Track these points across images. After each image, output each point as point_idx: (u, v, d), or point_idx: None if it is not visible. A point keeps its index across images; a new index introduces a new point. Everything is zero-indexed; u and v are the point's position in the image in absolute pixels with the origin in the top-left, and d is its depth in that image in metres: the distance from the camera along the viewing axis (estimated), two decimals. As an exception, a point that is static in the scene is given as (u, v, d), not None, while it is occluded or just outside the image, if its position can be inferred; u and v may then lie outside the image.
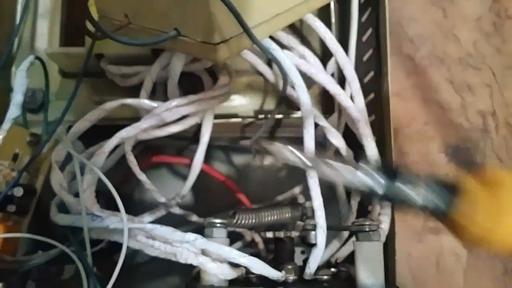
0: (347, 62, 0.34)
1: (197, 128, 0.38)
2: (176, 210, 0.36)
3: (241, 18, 0.26)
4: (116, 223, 0.29)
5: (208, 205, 0.43)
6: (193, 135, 0.39)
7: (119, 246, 0.29)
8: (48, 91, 0.39)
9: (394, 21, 0.55)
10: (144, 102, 0.33)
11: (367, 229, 0.29)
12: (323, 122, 0.34)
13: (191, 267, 0.30)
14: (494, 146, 0.55)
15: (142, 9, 0.29)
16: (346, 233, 0.36)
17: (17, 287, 0.39)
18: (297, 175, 0.50)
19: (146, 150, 0.42)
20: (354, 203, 0.38)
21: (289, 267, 0.30)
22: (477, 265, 0.54)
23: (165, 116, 0.32)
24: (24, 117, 0.39)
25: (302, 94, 0.31)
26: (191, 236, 0.28)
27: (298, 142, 0.36)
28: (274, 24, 0.30)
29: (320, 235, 0.29)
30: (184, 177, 0.39)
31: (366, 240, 0.29)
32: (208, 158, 0.39)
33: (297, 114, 0.39)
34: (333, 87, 0.33)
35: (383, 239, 0.31)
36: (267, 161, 0.52)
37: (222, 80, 0.34)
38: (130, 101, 0.33)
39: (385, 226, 0.31)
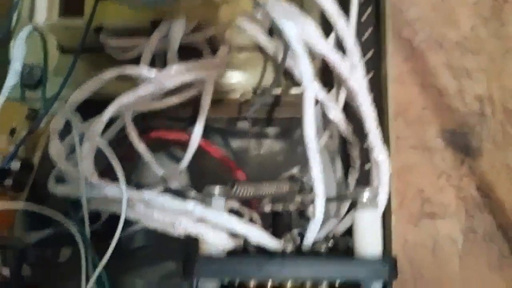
0: (347, 32, 0.33)
1: (195, 109, 0.38)
2: (175, 184, 0.36)
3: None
4: (114, 192, 0.29)
5: (205, 183, 0.43)
6: (191, 116, 0.39)
7: (115, 227, 0.29)
8: (46, 66, 0.39)
9: (393, 5, 0.55)
10: (143, 70, 0.32)
11: (364, 198, 0.29)
12: (322, 95, 0.34)
13: (187, 251, 0.30)
14: (491, 131, 0.55)
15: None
16: (344, 209, 0.36)
17: (13, 268, 0.39)
18: (296, 157, 0.51)
19: (144, 132, 0.42)
20: (352, 180, 0.39)
21: (288, 237, 0.30)
22: (473, 250, 0.55)
23: (164, 82, 0.31)
24: (22, 93, 0.39)
25: (304, 63, 0.31)
26: (190, 203, 0.28)
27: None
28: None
29: (318, 205, 0.29)
30: (181, 159, 0.39)
31: (364, 208, 0.29)
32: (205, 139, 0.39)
33: (297, 91, 0.39)
34: (333, 57, 0.33)
35: (382, 209, 0.31)
36: (265, 144, 0.52)
37: (222, 49, 0.34)
38: (128, 70, 0.33)
39: (383, 196, 0.31)
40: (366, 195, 0.29)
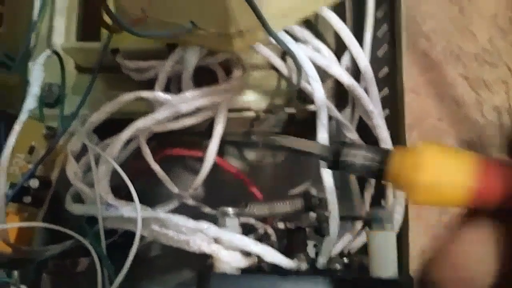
0: (361, 53, 0.34)
1: (210, 124, 0.38)
2: (189, 201, 0.36)
3: (258, 10, 0.26)
4: (130, 212, 0.29)
5: (220, 199, 0.43)
6: (206, 130, 0.39)
7: (132, 239, 0.30)
8: (64, 85, 0.40)
9: (410, 17, 0.55)
10: (158, 94, 0.33)
11: (380, 218, 0.29)
12: (336, 114, 0.34)
13: (203, 261, 0.31)
14: (509, 142, 0.54)
15: (159, 2, 0.30)
16: (359, 226, 0.36)
17: (32, 278, 0.39)
18: (309, 170, 0.51)
19: (159, 146, 0.42)
20: (368, 195, 0.38)
21: (302, 256, 0.30)
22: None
23: (180, 107, 0.32)
24: (41, 111, 0.40)
25: (316, 86, 0.31)
26: (204, 224, 0.29)
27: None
28: (290, 17, 0.30)
29: (332, 224, 0.29)
30: (196, 172, 0.39)
31: (379, 229, 0.29)
32: (220, 153, 0.39)
33: (310, 108, 0.39)
34: (347, 79, 0.33)
35: (397, 229, 0.31)
36: (279, 157, 0.52)
37: (236, 73, 0.35)
38: (145, 93, 0.33)
39: (398, 216, 0.31)
40: (381, 215, 0.29)
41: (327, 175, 0.29)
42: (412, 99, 0.54)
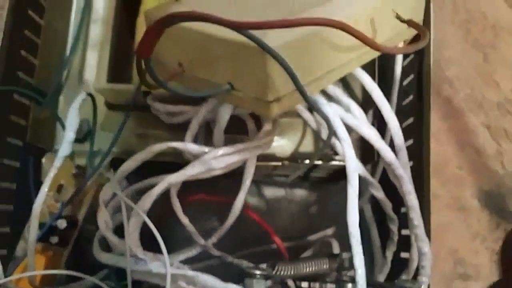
0: (392, 117, 0.34)
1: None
2: (213, 252, 0.36)
3: (297, 78, 0.26)
4: (159, 268, 0.30)
5: (242, 244, 0.43)
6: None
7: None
8: (95, 122, 0.40)
9: (434, 63, 0.55)
10: (190, 146, 0.33)
11: (408, 290, 0.29)
12: (365, 175, 0.34)
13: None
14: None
15: (198, 59, 0.30)
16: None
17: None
18: (329, 212, 0.51)
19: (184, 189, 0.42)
20: (390, 254, 0.39)
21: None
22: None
23: (211, 165, 0.32)
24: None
25: (348, 150, 0.31)
26: (232, 286, 0.29)
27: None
28: (326, 80, 0.31)
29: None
30: (217, 214, 0.39)
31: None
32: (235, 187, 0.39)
33: (336, 162, 0.39)
34: (378, 142, 0.33)
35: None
36: (299, 195, 0.52)
37: (266, 127, 0.35)
38: (176, 144, 0.33)
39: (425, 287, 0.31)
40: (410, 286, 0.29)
41: (356, 244, 0.30)
42: (433, 146, 0.54)
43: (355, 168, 0.31)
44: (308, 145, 0.42)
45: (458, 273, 0.53)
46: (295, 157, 0.42)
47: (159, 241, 0.29)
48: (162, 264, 0.30)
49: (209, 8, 0.26)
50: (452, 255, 0.54)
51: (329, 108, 0.32)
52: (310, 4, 0.29)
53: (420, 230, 0.32)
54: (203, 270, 0.33)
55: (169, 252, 0.36)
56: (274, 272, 0.31)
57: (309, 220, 0.52)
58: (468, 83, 0.56)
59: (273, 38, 0.26)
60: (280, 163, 0.40)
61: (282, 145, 0.42)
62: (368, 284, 0.30)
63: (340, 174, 0.36)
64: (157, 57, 0.33)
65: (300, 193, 0.53)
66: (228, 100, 0.31)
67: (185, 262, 0.37)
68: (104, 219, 0.32)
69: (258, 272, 0.30)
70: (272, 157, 0.42)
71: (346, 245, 0.31)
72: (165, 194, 0.37)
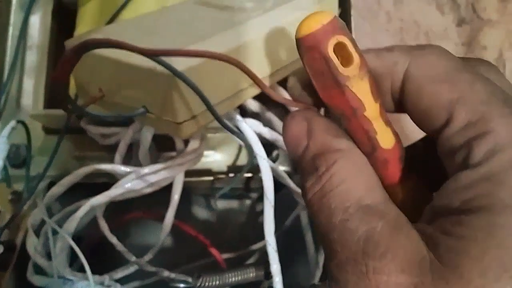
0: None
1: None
2: (148, 268, 0.37)
3: (206, 98, 0.28)
4: (85, 287, 0.31)
5: (180, 258, 0.44)
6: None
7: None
8: (30, 148, 0.41)
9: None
10: (116, 167, 0.34)
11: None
12: (294, 187, 0.36)
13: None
14: None
15: (114, 85, 0.31)
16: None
17: None
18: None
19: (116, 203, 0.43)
20: (321, 259, 0.40)
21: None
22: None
23: (136, 183, 0.33)
24: (6, 172, 0.41)
25: (263, 164, 0.33)
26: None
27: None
28: (238, 98, 0.32)
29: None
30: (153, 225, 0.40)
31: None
32: (185, 202, 0.40)
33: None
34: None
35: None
36: (246, 206, 0.53)
37: (192, 145, 0.36)
38: (103, 166, 0.35)
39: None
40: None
41: (272, 252, 0.31)
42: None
43: (270, 181, 0.32)
44: (244, 159, 0.43)
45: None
46: (232, 171, 0.43)
47: (82, 261, 0.30)
48: (88, 284, 0.31)
49: (123, 37, 0.27)
50: None
51: (244, 124, 0.33)
52: (216, 29, 0.31)
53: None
54: (140, 287, 0.34)
55: (110, 270, 0.38)
56: (198, 284, 0.32)
57: (257, 230, 0.53)
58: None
59: (179, 62, 0.27)
60: (211, 178, 0.41)
61: (217, 160, 0.43)
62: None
63: (279, 184, 0.38)
64: (80, 83, 0.34)
65: (248, 203, 0.54)
66: (145, 123, 0.33)
67: (124, 280, 0.38)
68: (33, 244, 0.33)
69: (182, 285, 0.32)
70: (209, 172, 0.43)
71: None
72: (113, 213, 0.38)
